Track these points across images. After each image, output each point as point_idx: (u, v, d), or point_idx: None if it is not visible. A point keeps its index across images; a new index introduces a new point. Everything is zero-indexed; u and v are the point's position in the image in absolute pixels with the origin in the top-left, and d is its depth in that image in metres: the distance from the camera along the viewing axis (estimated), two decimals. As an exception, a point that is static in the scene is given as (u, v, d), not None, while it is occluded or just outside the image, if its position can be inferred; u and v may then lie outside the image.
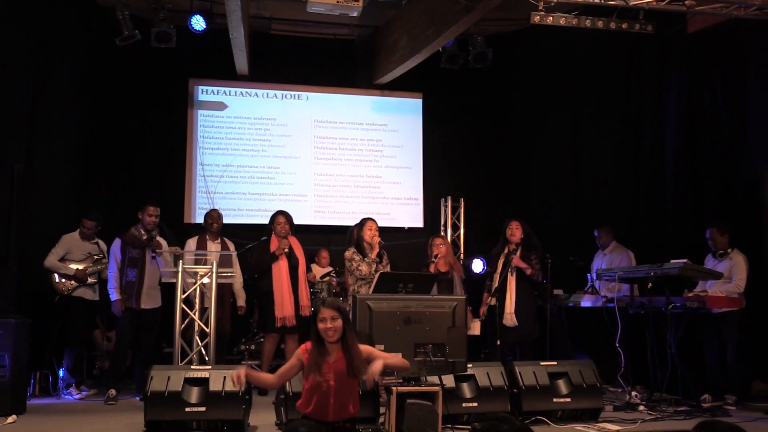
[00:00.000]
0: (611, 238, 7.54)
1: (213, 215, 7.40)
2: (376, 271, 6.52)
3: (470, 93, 9.91)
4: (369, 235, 6.62)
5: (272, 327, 6.78)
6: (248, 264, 7.23)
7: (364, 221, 6.78)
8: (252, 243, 7.31)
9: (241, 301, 7.38)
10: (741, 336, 6.23)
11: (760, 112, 6.71)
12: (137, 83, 8.94)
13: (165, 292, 7.06)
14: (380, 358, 3.76)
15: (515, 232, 6.81)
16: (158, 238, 6.78)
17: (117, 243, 6.66)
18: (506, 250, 6.84)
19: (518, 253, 6.68)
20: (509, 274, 6.69)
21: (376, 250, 6.58)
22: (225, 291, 7.08)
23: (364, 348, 3.88)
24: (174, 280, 6.20)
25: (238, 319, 7.60)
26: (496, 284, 6.78)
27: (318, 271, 8.46)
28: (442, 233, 9.44)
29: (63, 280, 6.78)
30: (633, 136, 8.08)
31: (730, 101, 6.99)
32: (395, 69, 9.04)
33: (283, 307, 6.75)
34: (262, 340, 7.26)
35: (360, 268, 6.53)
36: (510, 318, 6.59)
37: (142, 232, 6.69)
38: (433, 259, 7.11)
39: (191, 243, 7.20)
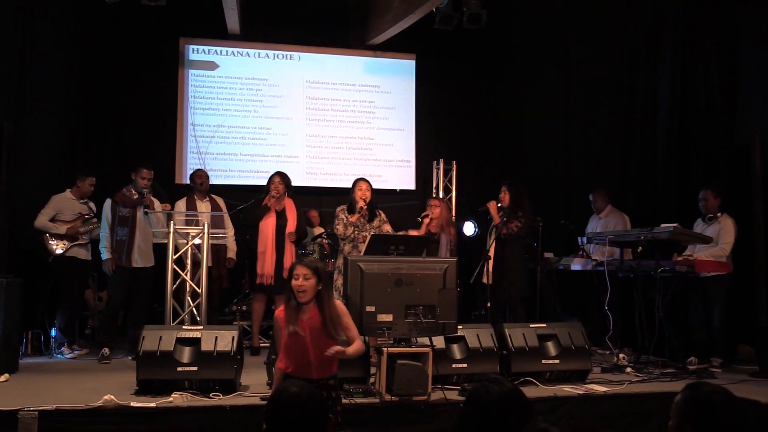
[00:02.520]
0: (606, 202, 7.53)
1: (201, 174, 7.41)
2: (359, 232, 6.51)
3: (464, 54, 9.84)
4: (359, 195, 6.59)
5: (257, 286, 6.82)
6: (239, 225, 7.23)
7: (355, 181, 6.74)
8: (244, 204, 7.32)
9: (231, 253, 7.38)
10: (728, 300, 6.29)
11: (752, 77, 6.68)
12: (127, 42, 8.83)
13: (158, 252, 7.06)
14: (344, 343, 3.81)
15: (503, 196, 6.84)
16: (149, 197, 6.75)
17: (108, 203, 6.64)
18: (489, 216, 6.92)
19: (495, 215, 6.76)
20: (489, 237, 6.82)
21: (357, 214, 6.54)
22: (221, 247, 7.12)
23: (341, 309, 3.90)
24: (166, 241, 6.20)
25: (230, 279, 7.63)
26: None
27: (309, 232, 8.46)
28: (434, 195, 9.44)
29: (55, 240, 6.76)
30: (626, 99, 8.05)
31: (724, 65, 6.95)
32: (388, 29, 8.95)
33: (264, 265, 6.77)
34: (253, 300, 7.29)
35: (337, 227, 6.54)
36: (487, 277, 6.67)
37: (133, 192, 6.67)
38: (419, 219, 7.13)
39: (180, 204, 7.19)
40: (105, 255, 6.57)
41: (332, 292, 4.02)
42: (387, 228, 6.63)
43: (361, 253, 6.08)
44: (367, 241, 6.17)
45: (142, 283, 6.71)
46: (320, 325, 3.73)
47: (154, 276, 6.81)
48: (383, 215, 6.75)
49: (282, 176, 7.00)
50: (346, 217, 6.53)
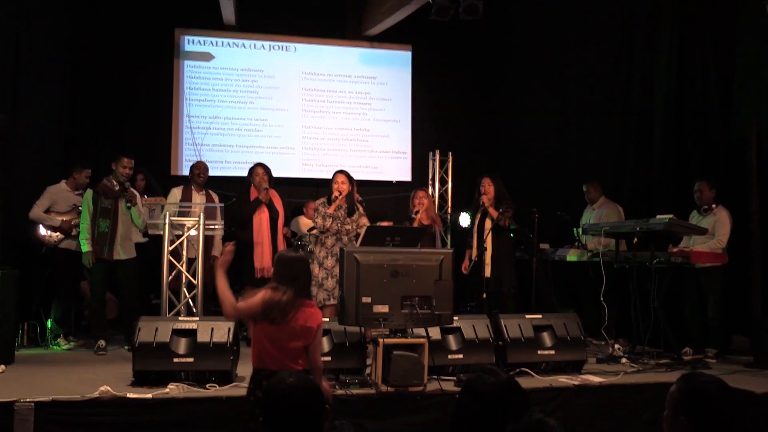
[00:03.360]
0: (600, 193, 7.54)
1: (200, 166, 7.37)
2: (341, 224, 6.51)
3: (460, 46, 9.83)
4: (334, 187, 6.60)
5: (252, 279, 6.80)
6: (230, 216, 7.22)
7: (333, 174, 6.72)
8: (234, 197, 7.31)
9: (216, 251, 7.32)
10: (723, 291, 6.31)
11: (748, 68, 6.68)
12: (122, 33, 8.79)
13: (152, 243, 7.05)
14: None
15: (488, 189, 6.84)
16: (132, 190, 6.68)
17: (89, 193, 6.55)
18: (481, 207, 6.89)
19: (491, 208, 6.76)
20: (485, 229, 6.78)
21: (334, 204, 6.56)
22: (208, 241, 7.09)
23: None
24: (160, 232, 6.18)
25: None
26: (475, 240, 6.88)
27: (306, 223, 8.46)
28: (430, 187, 9.44)
29: (49, 232, 6.74)
30: (623, 91, 8.05)
31: (720, 57, 6.95)
32: (384, 20, 8.94)
33: (263, 258, 6.76)
34: (250, 292, 7.29)
35: (316, 219, 6.58)
36: (488, 269, 6.70)
37: (114, 183, 6.60)
38: (413, 215, 7.12)
39: (176, 192, 7.16)
40: (86, 247, 6.45)
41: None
42: (364, 221, 6.60)
43: (345, 246, 6.09)
44: (362, 233, 6.18)
45: (127, 275, 6.64)
46: None
47: (151, 266, 6.80)
48: (361, 209, 6.73)
49: (264, 167, 6.98)
50: (325, 210, 6.54)
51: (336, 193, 6.52)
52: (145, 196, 6.95)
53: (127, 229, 6.65)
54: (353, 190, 6.71)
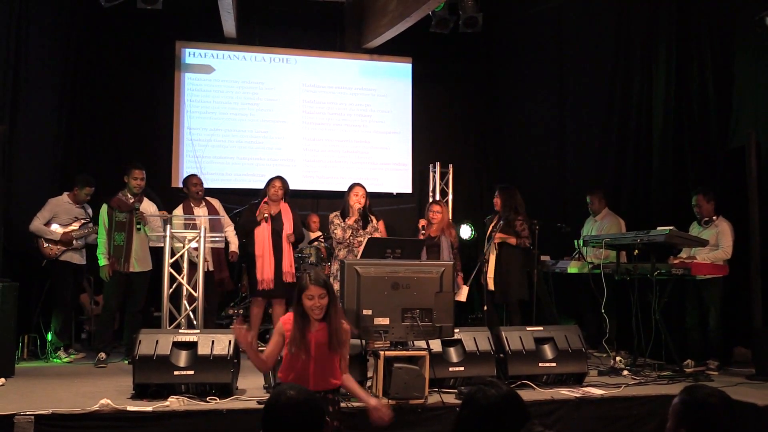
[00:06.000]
0: (604, 205, 7.50)
1: (196, 182, 7.26)
2: (354, 236, 6.52)
3: (460, 58, 9.86)
4: (354, 200, 6.62)
5: (255, 290, 6.82)
6: (238, 226, 7.23)
7: (351, 186, 6.78)
8: (240, 207, 7.30)
9: (234, 246, 7.22)
10: (723, 302, 6.31)
11: (746, 78, 6.70)
12: (123, 45, 8.83)
13: (154, 256, 7.05)
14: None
15: (496, 201, 6.89)
16: (141, 213, 6.65)
17: (104, 208, 6.60)
18: (494, 220, 6.91)
19: (499, 225, 6.76)
20: (487, 242, 6.82)
21: (354, 216, 6.56)
22: (221, 251, 7.08)
23: (346, 327, 3.89)
24: (162, 244, 6.19)
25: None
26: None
27: (307, 236, 8.46)
28: (431, 199, 9.43)
29: (49, 245, 6.74)
30: (621, 102, 8.06)
31: (718, 68, 6.97)
32: (384, 33, 8.95)
33: (263, 270, 6.76)
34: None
35: (335, 231, 6.60)
36: (489, 282, 6.70)
37: (129, 196, 6.65)
38: (422, 230, 7.12)
39: (178, 212, 7.13)
40: (102, 261, 6.53)
41: (339, 306, 3.96)
42: (377, 236, 6.63)
43: (358, 258, 6.09)
44: (363, 245, 6.18)
45: (138, 287, 6.69)
46: (326, 340, 3.71)
47: (151, 279, 6.80)
48: (375, 222, 6.76)
49: (282, 180, 6.99)
50: (342, 222, 6.56)
51: (357, 206, 6.55)
52: (155, 208, 6.90)
53: (143, 241, 6.67)
54: (367, 204, 6.75)
